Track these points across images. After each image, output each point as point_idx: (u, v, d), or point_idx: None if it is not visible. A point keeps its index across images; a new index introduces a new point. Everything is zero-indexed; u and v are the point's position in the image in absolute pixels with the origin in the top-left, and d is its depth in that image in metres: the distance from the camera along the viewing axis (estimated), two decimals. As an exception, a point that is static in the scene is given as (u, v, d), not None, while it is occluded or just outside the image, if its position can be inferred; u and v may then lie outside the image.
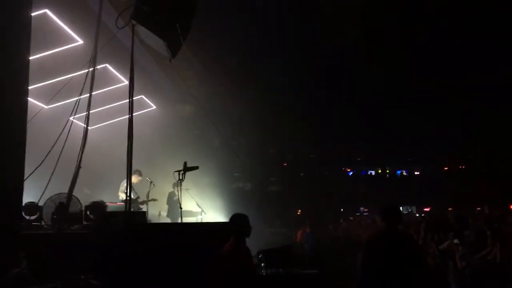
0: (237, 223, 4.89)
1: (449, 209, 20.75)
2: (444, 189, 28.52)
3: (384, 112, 28.57)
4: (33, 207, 6.40)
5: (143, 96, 12.09)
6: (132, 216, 6.31)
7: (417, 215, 20.84)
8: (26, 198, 6.66)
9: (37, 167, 6.51)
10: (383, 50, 23.09)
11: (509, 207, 14.99)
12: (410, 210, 30.63)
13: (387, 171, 38.84)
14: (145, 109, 12.83)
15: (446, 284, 6.89)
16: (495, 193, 21.56)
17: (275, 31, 19.42)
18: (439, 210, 20.92)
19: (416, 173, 38.22)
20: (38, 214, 6.40)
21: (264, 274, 5.70)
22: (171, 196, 11.09)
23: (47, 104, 8.93)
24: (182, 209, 6.89)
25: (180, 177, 6.30)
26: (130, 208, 5.96)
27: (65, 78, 8.74)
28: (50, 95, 8.52)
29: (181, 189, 6.46)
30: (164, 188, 11.00)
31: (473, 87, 24.85)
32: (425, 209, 25.67)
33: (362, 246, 5.50)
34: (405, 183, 35.12)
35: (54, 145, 6.92)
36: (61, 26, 8.11)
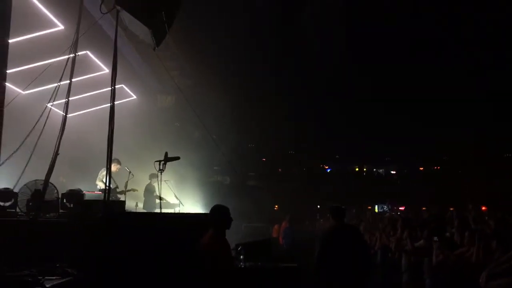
0: (218, 215, 4.86)
1: (423, 208, 21.11)
2: (419, 189, 29.00)
3: (364, 111, 28.88)
4: (8, 194, 6.23)
5: (123, 85, 11.92)
6: (110, 205, 6.22)
7: (392, 213, 21.09)
8: (1, 184, 6.53)
9: (13, 153, 6.37)
10: (365, 50, 23.32)
11: (481, 208, 15.29)
12: (384, 208, 31.01)
13: (364, 169, 39.35)
14: (125, 99, 12.66)
15: (422, 281, 7.00)
16: (468, 194, 22.05)
17: (260, 25, 19.36)
18: (414, 209, 21.22)
19: (392, 172, 38.79)
20: (12, 200, 6.24)
21: (242, 266, 5.69)
22: (148, 187, 10.99)
23: (24, 89, 8.72)
24: (162, 200, 6.81)
25: (161, 167, 6.23)
26: (109, 197, 5.87)
27: (44, 64, 8.55)
28: (29, 80, 8.31)
29: (161, 180, 6.38)
30: (142, 179, 10.89)
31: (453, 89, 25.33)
32: (400, 208, 26.03)
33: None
34: (381, 182, 35.59)
35: (31, 132, 6.78)
36: (42, 10, 7.92)
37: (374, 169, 39.65)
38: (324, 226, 15.54)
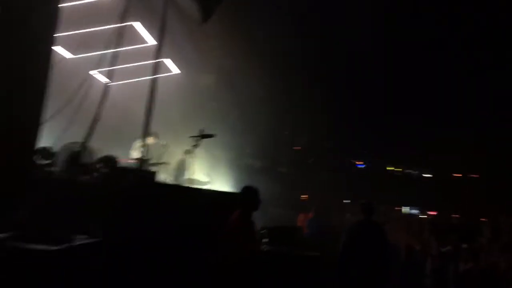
0: (248, 195, 4.89)
1: (453, 216, 20.62)
2: (452, 195, 28.24)
3: (405, 111, 28.17)
4: (47, 152, 6.45)
5: (168, 59, 12.01)
6: (143, 174, 6.35)
7: (422, 217, 20.69)
8: (44, 143, 6.75)
9: (56, 113, 6.56)
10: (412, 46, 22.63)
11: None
12: (414, 211, 30.42)
13: (398, 169, 38.59)
14: (168, 73, 12.77)
15: (445, 286, 6.89)
16: (503, 205, 21.34)
17: (305, 15, 19.06)
18: (444, 215, 20.78)
19: (426, 175, 37.91)
20: (51, 159, 6.45)
21: (266, 249, 5.72)
22: (180, 162, 11.12)
23: (72, 53, 8.94)
24: (192, 175, 6.88)
25: (196, 143, 6.29)
26: (142, 166, 5.98)
27: (92, 31, 8.73)
28: (76, 45, 8.54)
29: (194, 155, 6.45)
30: (176, 154, 11.04)
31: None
32: (430, 213, 25.49)
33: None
34: (414, 184, 34.84)
35: (74, 95, 6.98)
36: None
37: (408, 171, 38.84)
38: (351, 220, 15.43)
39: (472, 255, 6.31)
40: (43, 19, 5.00)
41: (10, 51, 4.34)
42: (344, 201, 27.45)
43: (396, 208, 27.96)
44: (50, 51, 5.26)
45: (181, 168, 10.98)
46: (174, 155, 11.02)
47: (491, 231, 8.61)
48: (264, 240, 5.85)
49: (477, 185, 32.25)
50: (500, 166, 30.22)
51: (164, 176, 10.85)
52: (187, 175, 10.05)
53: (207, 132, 6.69)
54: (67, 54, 8.98)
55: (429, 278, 7.57)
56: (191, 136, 6.45)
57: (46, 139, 6.89)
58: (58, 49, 8.75)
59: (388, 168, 38.80)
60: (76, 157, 6.16)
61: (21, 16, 4.46)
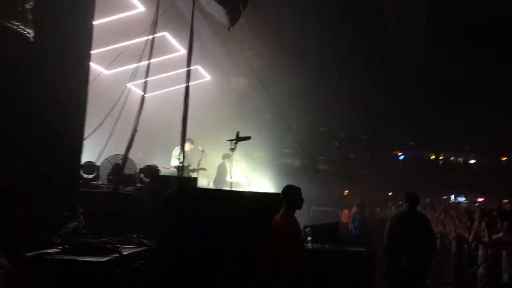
0: (290, 194, 4.90)
1: (504, 200, 19.86)
2: (500, 180, 27.23)
3: (442, 96, 27.42)
4: (91, 167, 6.67)
5: (198, 66, 12.19)
6: (184, 181, 6.46)
7: (470, 204, 20.02)
8: (85, 158, 6.98)
9: (96, 128, 6.79)
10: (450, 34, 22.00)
11: None
12: (462, 199, 29.52)
13: (441, 157, 37.55)
14: (200, 80, 12.95)
15: (499, 275, 6.66)
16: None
17: (335, 7, 18.86)
18: (494, 201, 20.04)
19: (471, 161, 36.69)
20: (95, 173, 6.67)
21: (310, 248, 5.70)
22: (220, 167, 11.24)
23: (107, 69, 9.20)
24: (232, 179, 6.96)
25: (232, 146, 6.35)
26: (182, 173, 6.09)
27: (125, 45, 8.96)
28: (110, 60, 8.77)
29: (232, 158, 6.51)
30: (214, 159, 11.16)
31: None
32: (479, 200, 24.65)
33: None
34: (459, 171, 33.81)
35: (112, 108, 7.18)
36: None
37: (452, 158, 37.70)
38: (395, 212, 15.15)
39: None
40: (79, 39, 5.19)
41: (51, 73, 4.53)
42: (389, 193, 27.02)
43: (444, 197, 27.27)
44: (87, 69, 5.44)
45: (221, 172, 11.10)
46: (213, 160, 11.16)
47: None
48: (307, 238, 5.83)
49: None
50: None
51: (205, 181, 11.01)
52: (227, 179, 10.16)
53: (243, 134, 6.72)
54: (103, 70, 9.24)
55: (481, 267, 7.33)
56: (228, 140, 6.50)
57: (89, 154, 7.14)
58: (93, 65, 9.03)
59: (431, 158, 37.89)
60: (118, 169, 6.33)
61: (59, 39, 4.64)
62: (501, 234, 7.18)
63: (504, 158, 34.99)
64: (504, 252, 6.82)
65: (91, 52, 5.60)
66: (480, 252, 7.77)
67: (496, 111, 27.36)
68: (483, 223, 7.85)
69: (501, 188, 24.36)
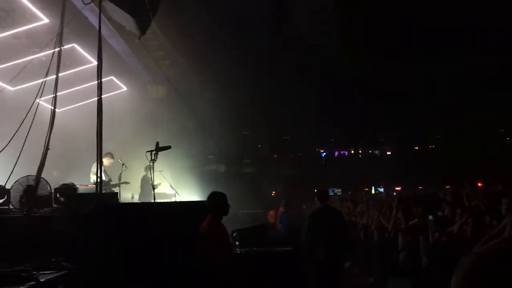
0: (215, 201, 4.88)
1: (419, 187, 21.21)
2: (415, 169, 29.06)
3: (355, 92, 28.78)
4: (0, 191, 6.21)
5: (113, 77, 11.81)
6: (103, 197, 6.21)
7: (388, 194, 21.16)
8: (-7, 182, 6.50)
9: (3, 149, 6.34)
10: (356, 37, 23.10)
11: (477, 185, 15.32)
12: (380, 190, 31.05)
13: (360, 151, 39.38)
14: (116, 91, 12.56)
15: (418, 259, 7.08)
16: (463, 171, 22.17)
17: (251, 11, 19.09)
18: (410, 189, 21.32)
19: (388, 153, 38.83)
20: (5, 197, 6.22)
21: (238, 252, 5.72)
22: (144, 179, 10.98)
23: (12, 85, 8.65)
24: (155, 190, 6.82)
25: (153, 157, 6.22)
26: (101, 190, 5.85)
27: (30, 58, 8.48)
28: (17, 76, 8.26)
29: (153, 170, 6.38)
30: (137, 171, 10.87)
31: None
32: (396, 188, 26.13)
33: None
34: (377, 164, 35.63)
35: (19, 127, 6.75)
36: (26, 4, 7.81)
37: (369, 151, 39.70)
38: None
39: (436, 225, 6.50)
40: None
41: None
42: (315, 190, 27.76)
43: (366, 189, 28.61)
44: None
45: (145, 184, 10.83)
46: (136, 173, 10.86)
47: (453, 197, 8.86)
48: (236, 242, 5.84)
49: (438, 155, 33.41)
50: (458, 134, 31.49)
51: (129, 195, 10.68)
52: (152, 191, 9.93)
53: (164, 144, 6.60)
54: (6, 86, 8.67)
55: (402, 253, 7.75)
56: (147, 151, 6.35)
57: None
58: (-3, 82, 8.46)
59: (351, 152, 39.63)
60: (31, 191, 5.95)
61: None
62: (416, 220, 7.66)
63: (416, 148, 37.45)
64: (421, 237, 7.27)
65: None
66: (400, 239, 8.21)
67: (406, 105, 29.25)
68: (400, 211, 8.33)
69: (416, 177, 26.03)
